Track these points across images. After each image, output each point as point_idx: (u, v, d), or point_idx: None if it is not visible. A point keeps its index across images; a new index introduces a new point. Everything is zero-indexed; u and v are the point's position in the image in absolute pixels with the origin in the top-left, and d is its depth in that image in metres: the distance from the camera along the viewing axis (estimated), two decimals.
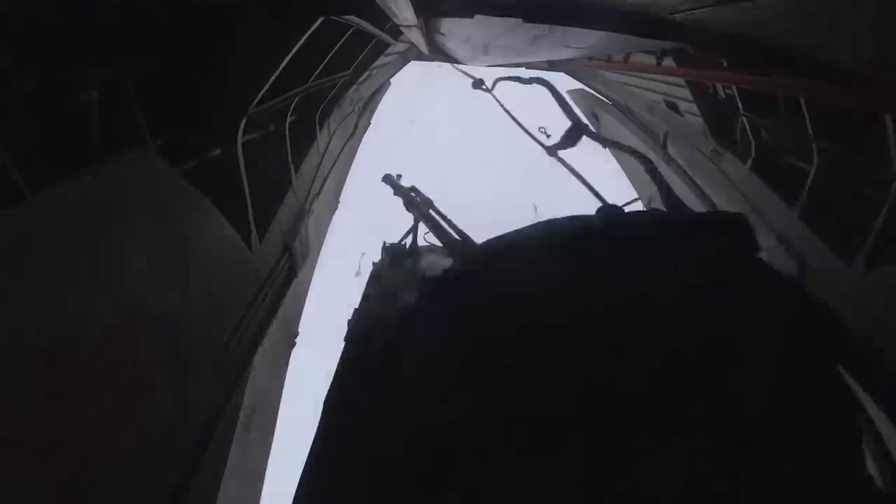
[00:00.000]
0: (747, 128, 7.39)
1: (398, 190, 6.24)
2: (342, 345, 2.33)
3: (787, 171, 7.12)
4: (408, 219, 6.26)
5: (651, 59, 8.43)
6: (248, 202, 6.00)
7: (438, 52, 14.55)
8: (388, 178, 6.87)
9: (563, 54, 10.33)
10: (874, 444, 5.10)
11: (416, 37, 9.45)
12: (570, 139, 8.14)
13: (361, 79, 11.20)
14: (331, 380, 1.88)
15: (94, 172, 3.53)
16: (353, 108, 13.14)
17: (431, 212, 5.08)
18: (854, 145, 5.69)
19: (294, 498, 1.54)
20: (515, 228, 1.91)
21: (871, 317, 5.30)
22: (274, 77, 5.62)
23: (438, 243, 5.04)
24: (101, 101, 3.84)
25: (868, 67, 2.62)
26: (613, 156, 14.62)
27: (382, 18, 7.55)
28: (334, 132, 10.84)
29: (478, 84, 11.98)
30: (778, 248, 6.85)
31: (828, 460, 1.38)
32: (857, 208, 6.10)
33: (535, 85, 10.16)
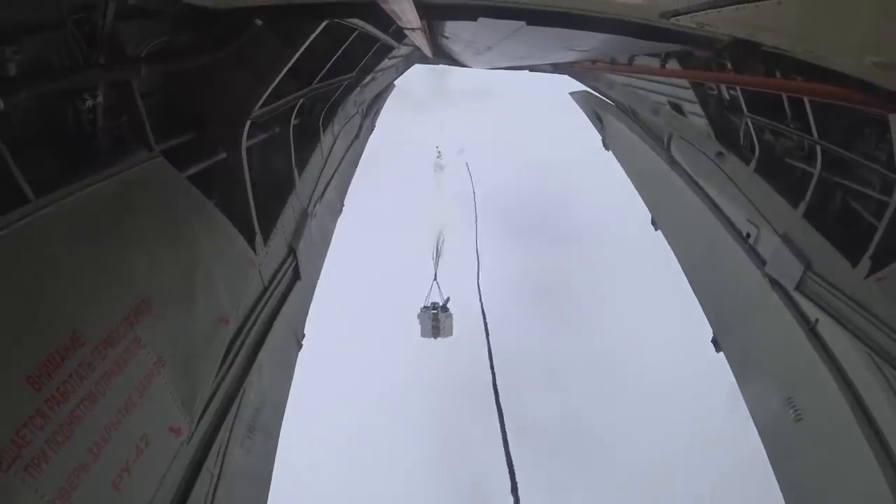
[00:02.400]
0: (751, 129, 7.38)
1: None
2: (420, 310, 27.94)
3: (791, 172, 7.10)
4: None
5: (655, 62, 8.43)
6: (252, 205, 6.03)
7: (442, 55, 14.58)
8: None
9: (566, 57, 10.34)
10: (884, 455, 5.11)
11: (420, 40, 9.47)
12: None
13: (365, 81, 11.22)
14: (422, 309, 27.48)
15: (101, 176, 3.56)
16: (357, 111, 13.17)
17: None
18: (858, 147, 5.68)
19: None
20: None
21: (874, 316, 5.28)
22: (278, 79, 5.65)
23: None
24: (108, 107, 3.89)
25: (872, 70, 2.61)
26: (621, 165, 14.62)
27: (386, 22, 7.58)
28: (338, 134, 10.86)
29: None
30: (782, 249, 6.83)
31: None
32: (861, 210, 6.09)
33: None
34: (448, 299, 19.76)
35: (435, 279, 23.01)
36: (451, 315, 19.83)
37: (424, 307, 20.51)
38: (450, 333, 20.13)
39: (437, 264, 24.17)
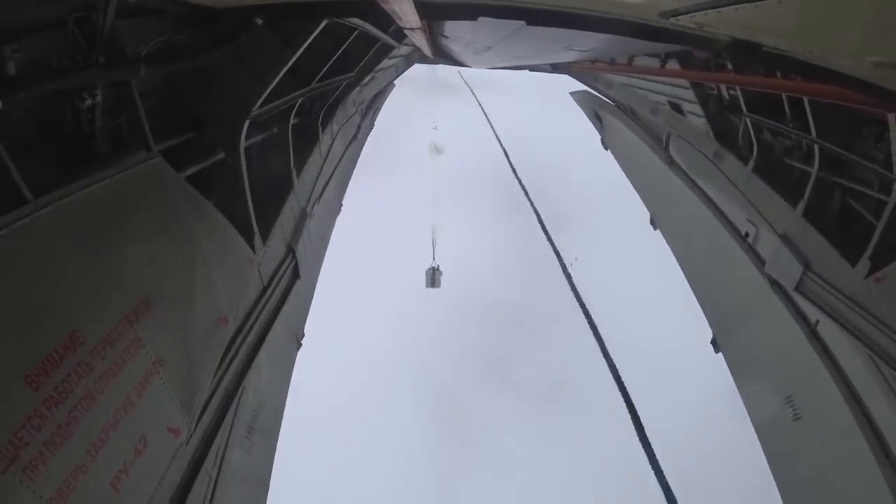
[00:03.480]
0: (750, 129, 7.39)
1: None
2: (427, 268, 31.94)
3: (790, 172, 7.11)
4: None
5: (655, 62, 8.44)
6: (251, 205, 6.03)
7: (442, 55, 14.57)
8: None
9: (566, 57, 10.35)
10: (883, 455, 5.13)
11: (419, 40, 9.47)
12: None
13: (364, 81, 11.21)
14: (427, 269, 32.03)
15: (100, 176, 3.56)
16: (356, 111, 13.17)
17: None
18: (856, 146, 5.69)
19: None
20: None
21: (873, 316, 5.29)
22: (277, 79, 5.64)
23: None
24: (107, 107, 3.88)
25: (871, 70, 2.62)
26: (620, 164, 14.65)
27: (386, 21, 7.58)
28: (337, 134, 10.86)
29: None
30: (781, 249, 6.84)
31: None
32: (860, 209, 6.09)
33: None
34: (438, 265, 33.01)
35: (433, 261, 33.37)
36: (441, 272, 32.56)
37: (430, 268, 32.79)
38: (439, 285, 32.50)
39: (434, 244, 34.58)
